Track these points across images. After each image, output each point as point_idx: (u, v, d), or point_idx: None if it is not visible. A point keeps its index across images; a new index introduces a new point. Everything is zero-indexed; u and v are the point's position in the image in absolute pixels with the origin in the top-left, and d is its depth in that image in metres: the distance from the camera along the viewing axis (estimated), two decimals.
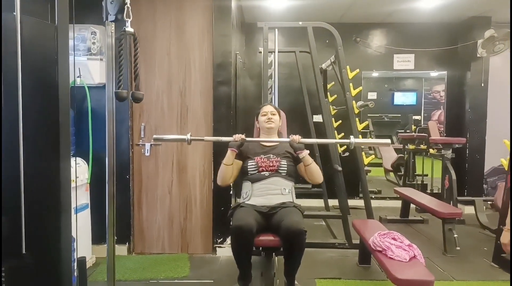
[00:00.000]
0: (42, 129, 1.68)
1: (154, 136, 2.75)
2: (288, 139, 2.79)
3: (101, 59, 3.46)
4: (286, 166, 2.85)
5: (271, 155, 2.88)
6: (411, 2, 4.82)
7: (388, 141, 2.73)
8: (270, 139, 2.94)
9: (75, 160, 3.19)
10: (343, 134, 5.41)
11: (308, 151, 2.80)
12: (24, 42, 1.54)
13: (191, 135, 2.73)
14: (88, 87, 3.46)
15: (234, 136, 2.80)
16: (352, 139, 2.68)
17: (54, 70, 1.67)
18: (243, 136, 2.79)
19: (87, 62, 3.42)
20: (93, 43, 3.42)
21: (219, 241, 3.76)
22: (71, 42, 1.84)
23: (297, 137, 2.75)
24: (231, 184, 2.96)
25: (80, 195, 3.35)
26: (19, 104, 1.53)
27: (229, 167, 2.84)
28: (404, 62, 5.87)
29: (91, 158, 3.47)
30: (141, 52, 3.60)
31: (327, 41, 5.55)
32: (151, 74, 3.73)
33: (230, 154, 2.83)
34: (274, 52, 4.19)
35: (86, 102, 3.48)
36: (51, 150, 1.70)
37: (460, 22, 5.61)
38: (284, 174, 2.83)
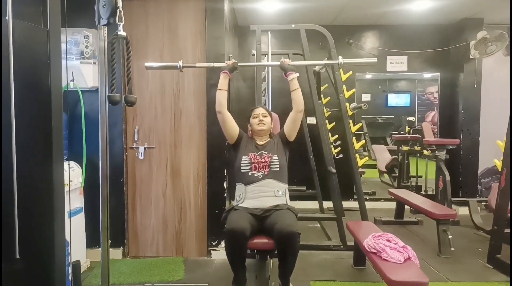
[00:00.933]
0: (35, 133, 1.67)
1: (146, 63, 2.94)
2: (278, 63, 2.96)
3: (94, 63, 3.44)
4: (278, 160, 2.86)
5: (263, 152, 2.90)
6: (403, 4, 4.85)
7: (375, 59, 2.91)
8: (262, 63, 3.06)
9: (69, 164, 3.18)
10: (337, 136, 5.43)
11: (298, 74, 2.90)
12: (16, 46, 1.53)
13: (182, 63, 2.91)
14: (81, 90, 3.45)
15: (226, 61, 2.97)
16: (340, 59, 2.90)
17: (47, 74, 1.66)
18: (235, 61, 2.97)
19: (80, 66, 3.40)
20: (86, 46, 3.41)
21: (213, 244, 3.75)
22: (63, 46, 1.84)
23: (287, 60, 2.95)
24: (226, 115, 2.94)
25: (74, 199, 3.34)
26: (12, 108, 1.53)
27: (224, 91, 2.92)
28: (397, 64, 5.90)
29: (85, 162, 3.46)
30: (133, 55, 3.59)
31: (320, 43, 5.57)
32: (144, 77, 3.72)
33: (222, 78, 2.93)
34: (267, 54, 4.19)
35: (79, 106, 3.47)
36: (44, 154, 1.69)
37: (452, 24, 5.65)
38: (277, 169, 2.84)
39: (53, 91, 1.68)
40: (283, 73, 2.95)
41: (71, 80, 3.36)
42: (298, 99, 2.89)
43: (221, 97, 2.90)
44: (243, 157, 2.89)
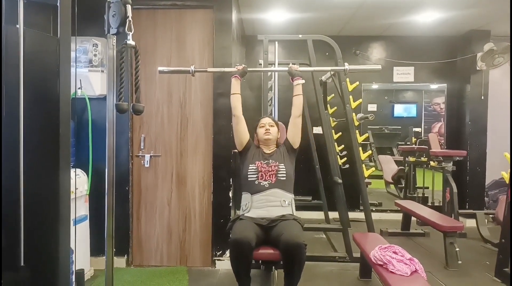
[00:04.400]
0: (42, 140, 1.68)
1: (159, 68, 3.07)
2: (286, 69, 3.03)
3: (102, 71, 3.47)
4: (284, 169, 2.87)
5: (271, 161, 2.91)
6: (410, 16, 4.86)
7: (379, 66, 3.02)
8: (272, 69, 3.19)
9: (75, 171, 3.18)
10: (343, 146, 5.41)
11: (304, 81, 2.98)
12: (27, 54, 1.55)
13: (194, 67, 3.05)
14: (88, 98, 3.47)
15: (236, 66, 3.06)
16: (347, 66, 3.02)
17: (56, 82, 1.68)
18: (244, 65, 3.07)
19: (88, 74, 3.43)
20: (95, 55, 3.44)
21: (218, 253, 3.73)
22: (72, 54, 1.85)
23: (295, 66, 3.02)
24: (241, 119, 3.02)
25: (79, 206, 3.34)
26: (20, 115, 1.54)
27: (238, 95, 3.00)
28: (404, 74, 5.90)
29: (91, 169, 3.46)
30: (141, 64, 3.61)
31: (327, 53, 5.58)
32: (151, 85, 3.74)
33: (234, 82, 3.01)
34: (274, 64, 4.21)
35: (87, 114, 3.48)
36: (51, 162, 1.69)
37: (459, 35, 5.65)
38: (284, 178, 2.84)
39: (62, 98, 1.69)
40: (290, 78, 3.02)
41: (79, 88, 3.38)
42: (298, 104, 2.97)
43: (236, 101, 2.99)
44: (250, 165, 2.89)
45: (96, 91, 3.49)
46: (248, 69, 3.09)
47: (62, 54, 1.68)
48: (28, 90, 1.56)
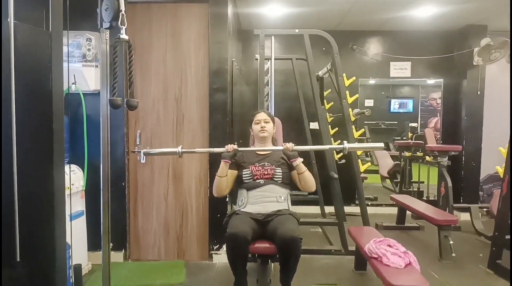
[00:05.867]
0: (36, 136, 1.67)
1: (143, 150, 2.72)
2: (281, 148, 2.75)
3: (96, 66, 3.45)
4: (281, 174, 2.85)
5: (266, 163, 2.88)
6: (407, 10, 4.85)
7: (382, 144, 2.73)
8: (264, 148, 2.93)
9: (69, 167, 3.18)
10: (339, 141, 5.42)
11: (301, 159, 2.78)
12: (18, 48, 1.54)
13: (182, 148, 2.66)
14: (83, 93, 3.46)
15: (226, 146, 2.76)
16: (346, 144, 2.67)
17: (48, 77, 1.67)
18: (235, 146, 2.76)
19: (82, 69, 3.41)
20: (88, 49, 3.42)
21: (215, 247, 3.74)
22: (65, 49, 1.84)
23: (290, 145, 2.72)
24: (227, 194, 2.95)
25: (75, 202, 3.34)
26: (13, 111, 1.53)
27: (224, 178, 2.82)
28: (400, 69, 5.90)
29: (86, 165, 3.46)
30: (136, 59, 3.61)
31: (323, 48, 5.57)
32: (146, 81, 3.73)
33: (223, 166, 2.81)
34: (271, 59, 4.20)
35: (81, 109, 3.48)
36: (45, 157, 1.69)
37: (456, 30, 5.65)
38: (280, 182, 2.84)
39: (55, 94, 1.68)
40: (286, 158, 2.84)
41: (73, 83, 3.37)
42: (305, 183, 2.81)
43: (220, 185, 2.83)
44: (244, 170, 2.88)
45: (90, 86, 3.47)
46: (240, 149, 2.78)
47: (54, 49, 1.67)
48: (20, 85, 1.55)
